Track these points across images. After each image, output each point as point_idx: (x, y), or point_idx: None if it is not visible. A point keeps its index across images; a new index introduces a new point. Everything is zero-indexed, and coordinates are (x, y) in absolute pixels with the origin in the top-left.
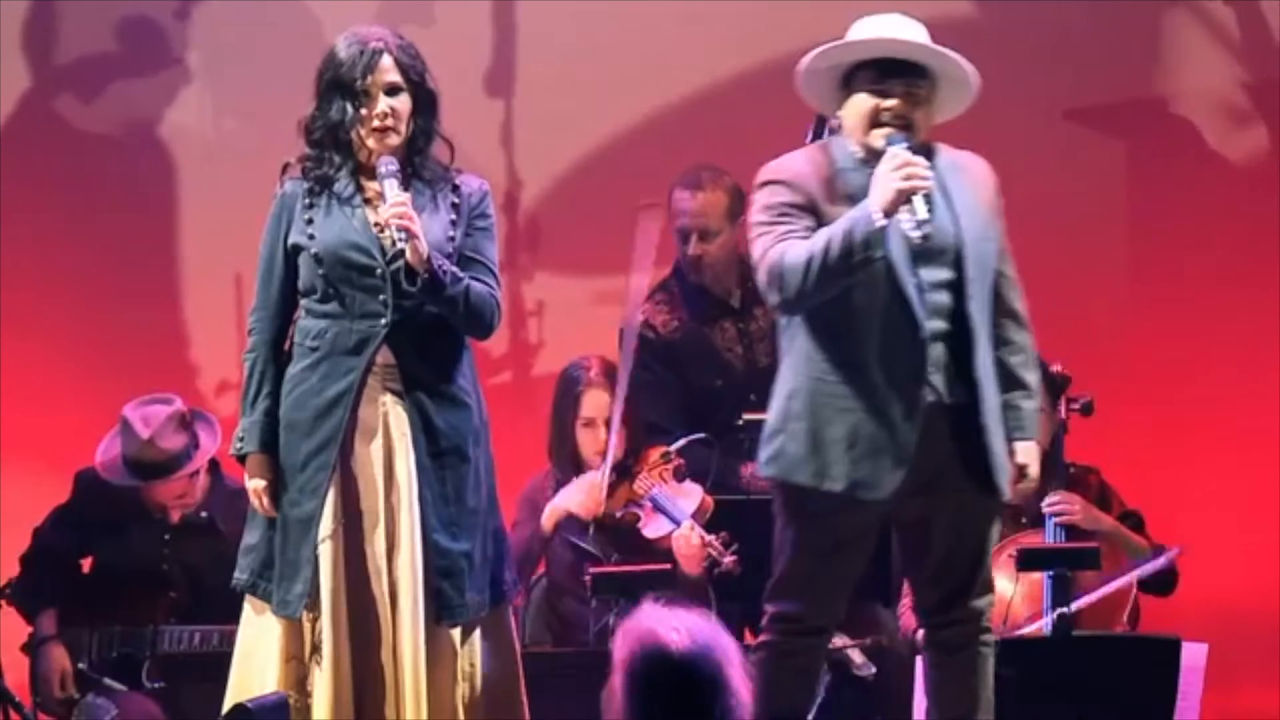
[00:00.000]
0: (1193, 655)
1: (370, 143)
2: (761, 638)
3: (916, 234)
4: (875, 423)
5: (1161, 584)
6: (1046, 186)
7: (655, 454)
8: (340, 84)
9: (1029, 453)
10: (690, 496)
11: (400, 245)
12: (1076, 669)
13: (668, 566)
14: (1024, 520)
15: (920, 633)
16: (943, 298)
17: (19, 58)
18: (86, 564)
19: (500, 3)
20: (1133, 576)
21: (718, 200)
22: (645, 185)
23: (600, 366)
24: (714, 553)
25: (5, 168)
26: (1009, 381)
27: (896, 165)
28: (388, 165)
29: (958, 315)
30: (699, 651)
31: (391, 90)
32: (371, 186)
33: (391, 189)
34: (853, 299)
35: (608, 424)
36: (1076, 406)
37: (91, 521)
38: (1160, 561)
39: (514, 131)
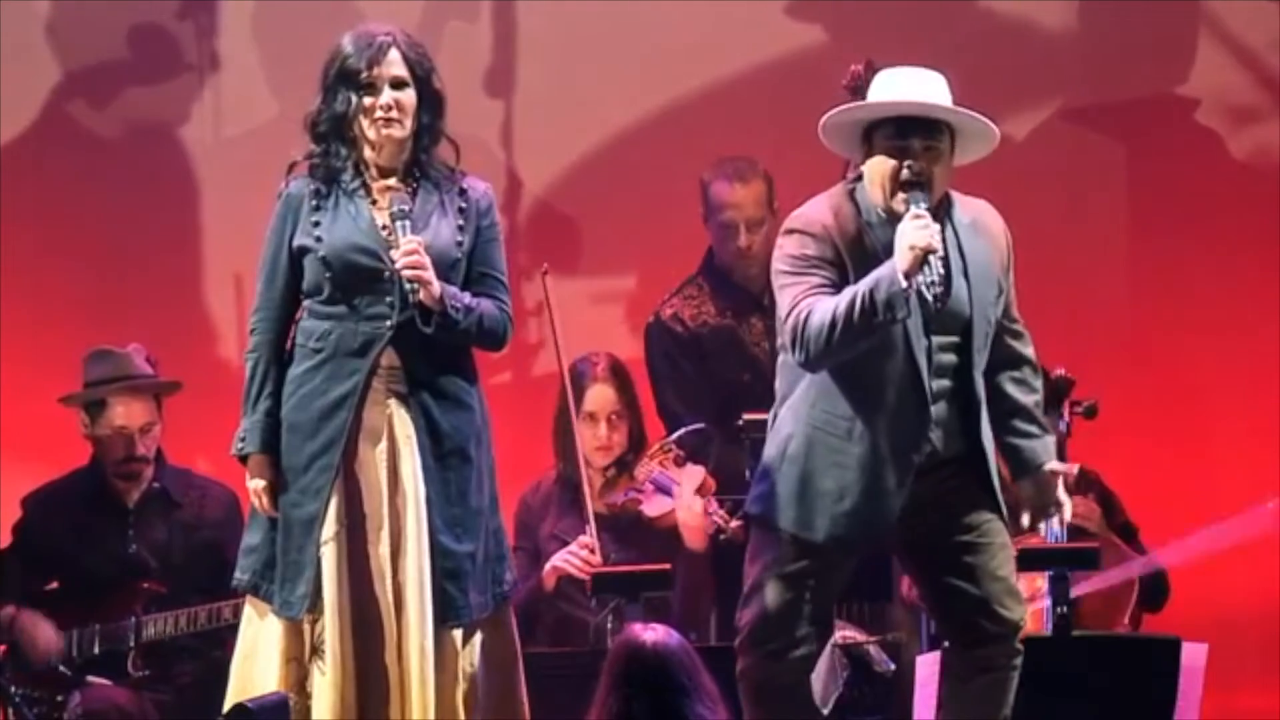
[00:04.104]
0: (1193, 655)
1: (372, 134)
2: (738, 666)
3: (930, 294)
4: (865, 482)
5: (1152, 599)
6: (1047, 186)
7: (654, 445)
8: (346, 75)
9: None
10: (691, 475)
11: (414, 297)
12: (1076, 669)
13: (668, 566)
14: None
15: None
16: (948, 358)
17: (30, 63)
18: (50, 585)
19: (500, 3)
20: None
21: (761, 189)
22: (644, 185)
23: (607, 363)
24: (719, 520)
25: (11, 171)
26: (1032, 421)
27: (917, 227)
28: (399, 205)
29: (960, 374)
30: (671, 641)
31: (397, 84)
32: (377, 184)
33: (404, 232)
34: (865, 358)
35: (609, 420)
36: (1080, 410)
37: (51, 539)
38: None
39: (514, 131)
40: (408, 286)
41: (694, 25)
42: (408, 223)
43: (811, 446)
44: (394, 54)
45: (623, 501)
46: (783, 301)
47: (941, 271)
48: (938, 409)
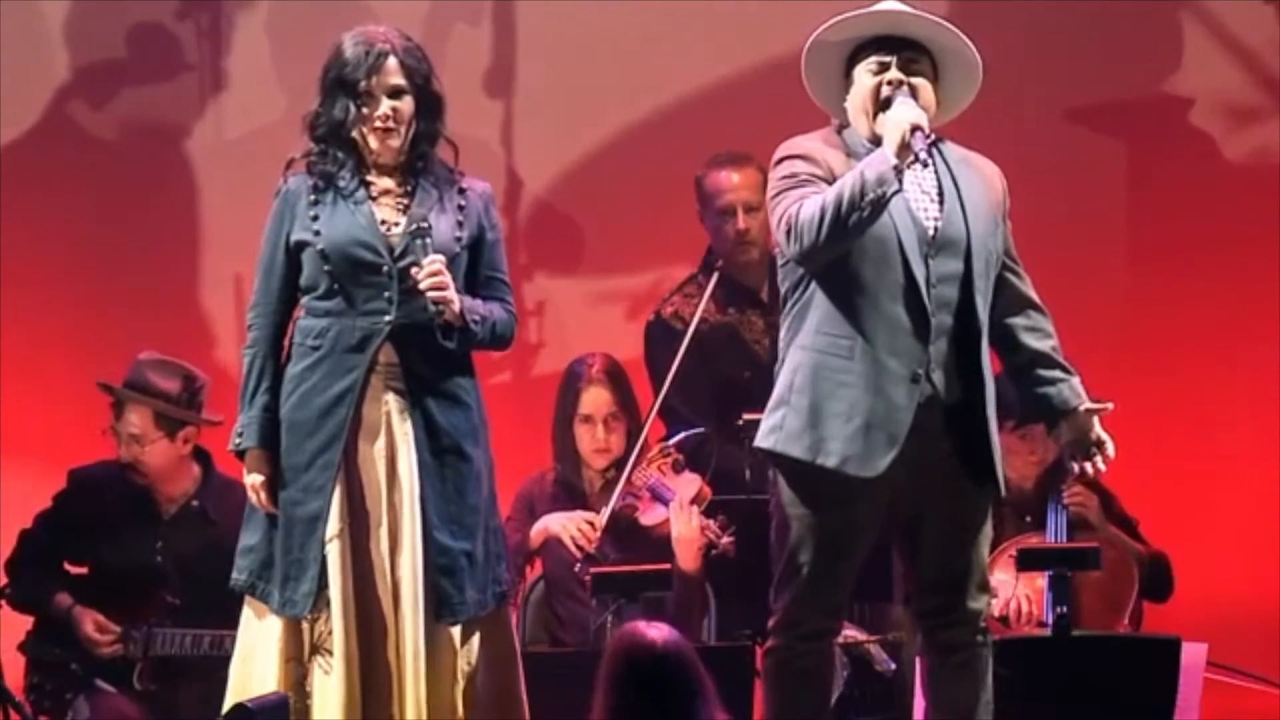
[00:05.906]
0: (1193, 655)
1: (372, 143)
2: (767, 645)
3: (921, 148)
4: (873, 398)
5: (1156, 589)
6: (1046, 186)
7: (654, 448)
8: (344, 83)
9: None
10: (688, 485)
11: (439, 319)
12: (1076, 669)
13: (667, 566)
14: (1028, 519)
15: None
16: (950, 292)
17: (30, 63)
18: (76, 569)
19: (500, 3)
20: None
21: (756, 176)
22: (644, 185)
23: (602, 364)
24: (711, 535)
25: (11, 171)
26: (1054, 366)
27: (902, 107)
28: (420, 225)
29: (962, 311)
30: (678, 642)
31: (394, 93)
32: (376, 183)
33: (425, 251)
34: (864, 278)
35: (606, 422)
36: None
37: (83, 521)
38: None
39: (514, 131)
40: (432, 309)
41: (694, 25)
42: (429, 240)
43: (816, 373)
44: (391, 62)
45: (620, 507)
46: (777, 213)
47: (924, 143)
48: (938, 347)
